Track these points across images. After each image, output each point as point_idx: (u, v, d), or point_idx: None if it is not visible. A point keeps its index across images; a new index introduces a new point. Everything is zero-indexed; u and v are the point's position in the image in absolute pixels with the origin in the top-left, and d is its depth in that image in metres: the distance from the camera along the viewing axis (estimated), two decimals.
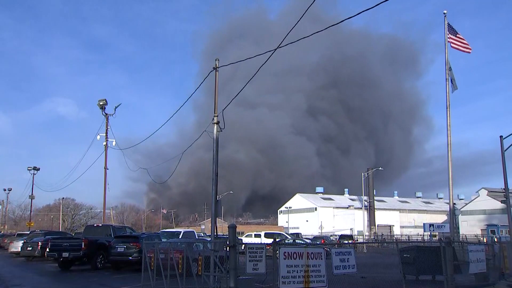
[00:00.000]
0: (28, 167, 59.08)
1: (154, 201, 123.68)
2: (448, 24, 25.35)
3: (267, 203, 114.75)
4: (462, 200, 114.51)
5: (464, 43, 25.30)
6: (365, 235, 72.62)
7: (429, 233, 58.96)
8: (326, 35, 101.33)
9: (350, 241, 45.23)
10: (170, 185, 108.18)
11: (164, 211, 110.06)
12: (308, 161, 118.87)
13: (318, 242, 38.77)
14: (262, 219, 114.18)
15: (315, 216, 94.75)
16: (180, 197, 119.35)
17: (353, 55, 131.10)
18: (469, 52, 25.39)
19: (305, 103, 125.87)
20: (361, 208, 78.36)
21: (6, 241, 39.85)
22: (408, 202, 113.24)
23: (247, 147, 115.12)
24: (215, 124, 16.68)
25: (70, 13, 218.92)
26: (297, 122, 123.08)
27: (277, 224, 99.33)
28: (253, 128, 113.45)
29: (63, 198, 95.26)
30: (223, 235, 20.37)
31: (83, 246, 22.09)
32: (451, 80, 25.71)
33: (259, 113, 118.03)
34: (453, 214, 28.23)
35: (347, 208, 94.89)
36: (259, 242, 36.02)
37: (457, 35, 25.21)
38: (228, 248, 11.55)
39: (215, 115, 16.73)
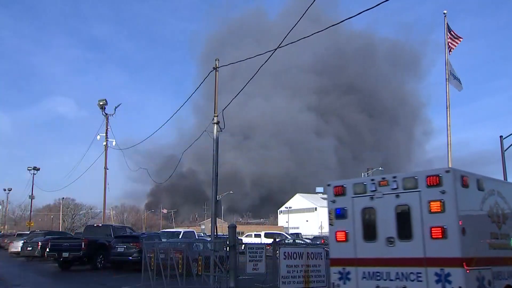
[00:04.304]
0: (28, 167, 59.01)
1: (155, 200, 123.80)
2: (447, 24, 25.33)
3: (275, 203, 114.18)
4: None
5: (455, 38, 25.22)
6: None
7: None
8: (327, 36, 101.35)
9: None
10: (173, 183, 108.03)
11: (164, 211, 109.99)
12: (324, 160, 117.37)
13: (318, 242, 38.66)
14: (262, 219, 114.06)
15: (315, 216, 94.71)
16: (182, 195, 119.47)
17: (354, 57, 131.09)
18: (460, 40, 25.30)
19: (303, 102, 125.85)
20: None
21: (6, 241, 39.86)
22: None
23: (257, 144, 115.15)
24: (215, 124, 16.68)
25: (70, 12, 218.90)
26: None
27: (277, 224, 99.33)
28: (259, 126, 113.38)
29: (63, 198, 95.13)
30: (223, 235, 20.36)
31: (83, 246, 22.05)
32: (458, 80, 25.66)
33: (262, 111, 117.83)
34: None
35: None
36: (259, 242, 36.02)
37: (450, 33, 25.15)
38: (228, 248, 11.57)
39: (215, 115, 16.72)
